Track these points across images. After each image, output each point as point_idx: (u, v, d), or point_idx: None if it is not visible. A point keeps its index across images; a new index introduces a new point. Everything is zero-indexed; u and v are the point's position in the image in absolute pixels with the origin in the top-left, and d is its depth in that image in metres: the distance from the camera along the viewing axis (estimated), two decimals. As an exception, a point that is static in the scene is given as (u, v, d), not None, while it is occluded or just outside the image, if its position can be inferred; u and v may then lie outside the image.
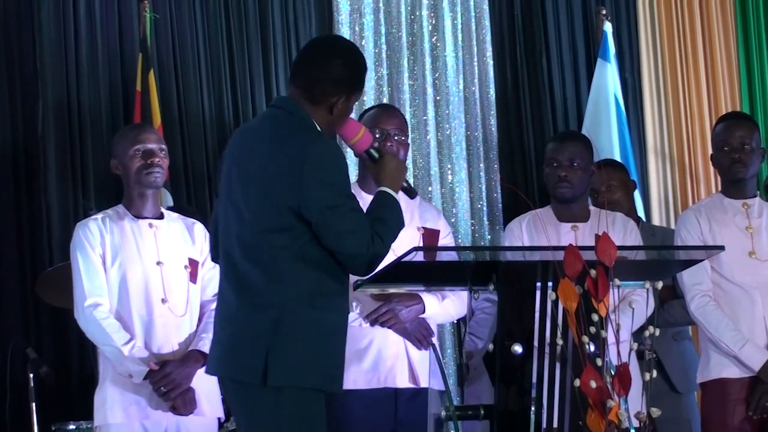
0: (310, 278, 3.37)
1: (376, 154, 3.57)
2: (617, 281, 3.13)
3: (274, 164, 3.40)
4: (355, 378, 4.11)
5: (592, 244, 4.12)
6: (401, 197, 3.45)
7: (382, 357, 4.18)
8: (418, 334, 4.24)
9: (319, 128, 3.49)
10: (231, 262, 3.47)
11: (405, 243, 4.04)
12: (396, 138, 4.28)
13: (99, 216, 4.36)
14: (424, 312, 4.24)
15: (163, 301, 4.28)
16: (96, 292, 4.24)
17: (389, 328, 4.19)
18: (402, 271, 3.40)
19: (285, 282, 3.36)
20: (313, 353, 3.36)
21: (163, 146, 4.38)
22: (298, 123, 3.47)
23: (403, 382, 4.21)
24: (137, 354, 4.18)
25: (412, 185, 3.73)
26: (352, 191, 3.48)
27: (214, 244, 3.62)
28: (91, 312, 4.21)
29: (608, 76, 6.69)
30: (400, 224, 3.46)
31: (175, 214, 4.48)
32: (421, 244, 4.26)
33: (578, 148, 4.43)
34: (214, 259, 3.66)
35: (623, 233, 4.36)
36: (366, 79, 3.63)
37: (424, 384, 4.19)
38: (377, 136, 4.22)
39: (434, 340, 4.29)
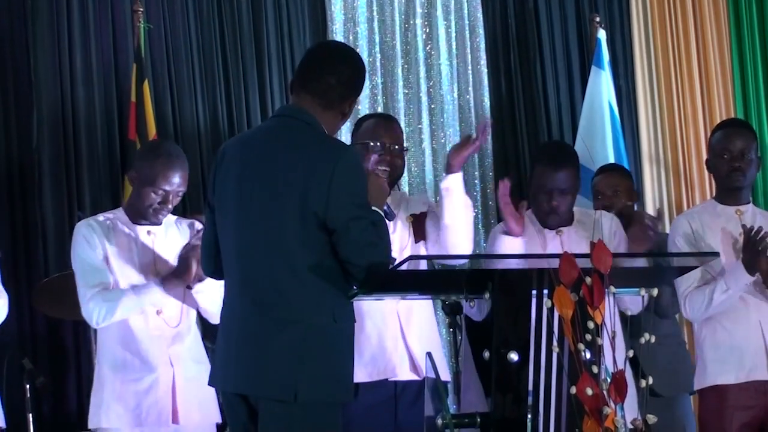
0: (330, 291, 3.36)
1: None
2: (613, 288, 3.13)
3: (300, 172, 3.37)
4: (355, 371, 4.10)
5: (578, 246, 4.15)
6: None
7: (381, 348, 4.17)
8: None
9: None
10: (248, 278, 3.42)
11: (397, 234, 4.17)
12: (393, 149, 4.30)
13: (100, 217, 4.34)
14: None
15: (158, 312, 4.27)
16: (99, 282, 4.22)
17: None
18: (396, 280, 3.40)
19: (308, 296, 3.35)
20: (338, 367, 3.40)
21: (183, 189, 4.30)
22: (315, 131, 3.47)
23: (403, 374, 4.20)
24: (140, 284, 4.21)
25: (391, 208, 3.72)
26: None
27: (214, 261, 3.57)
28: (95, 293, 4.19)
29: (602, 84, 6.70)
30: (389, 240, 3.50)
31: (174, 217, 4.44)
32: (412, 235, 4.28)
33: (569, 175, 4.38)
34: (212, 274, 3.64)
35: (608, 232, 4.35)
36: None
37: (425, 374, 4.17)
38: (371, 145, 4.24)
39: (436, 345, 4.28)
